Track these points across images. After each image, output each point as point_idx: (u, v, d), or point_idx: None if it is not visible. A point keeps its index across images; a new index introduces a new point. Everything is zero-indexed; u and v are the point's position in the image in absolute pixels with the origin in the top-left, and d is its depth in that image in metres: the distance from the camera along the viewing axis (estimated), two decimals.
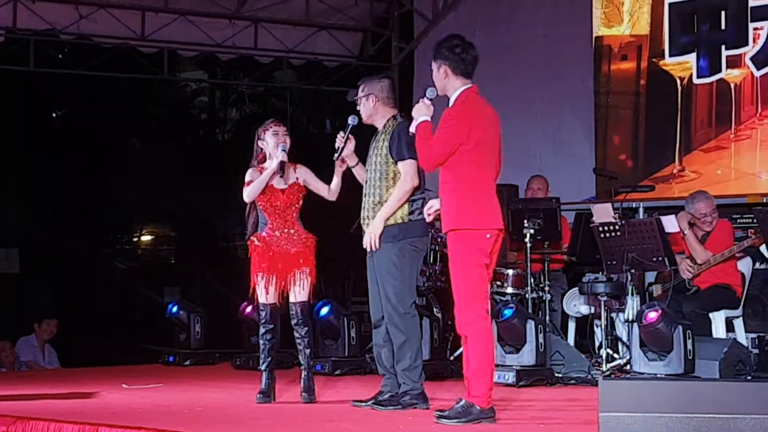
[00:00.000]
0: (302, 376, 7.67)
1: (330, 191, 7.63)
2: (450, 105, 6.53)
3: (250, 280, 7.74)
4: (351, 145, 7.40)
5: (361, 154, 7.44)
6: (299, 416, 6.97)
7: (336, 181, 7.61)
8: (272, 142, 7.65)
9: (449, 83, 6.53)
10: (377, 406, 7.13)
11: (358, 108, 7.36)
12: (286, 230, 7.67)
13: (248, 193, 7.65)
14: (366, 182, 7.29)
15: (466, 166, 6.40)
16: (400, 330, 7.09)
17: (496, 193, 6.61)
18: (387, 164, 7.15)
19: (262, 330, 7.74)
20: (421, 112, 6.55)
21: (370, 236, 7.09)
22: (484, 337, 6.42)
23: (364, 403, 7.26)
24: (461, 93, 6.50)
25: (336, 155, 7.42)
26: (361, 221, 7.30)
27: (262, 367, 7.75)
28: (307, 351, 7.66)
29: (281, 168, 7.56)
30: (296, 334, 7.65)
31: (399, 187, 7.11)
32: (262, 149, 7.74)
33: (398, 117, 7.29)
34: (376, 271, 7.20)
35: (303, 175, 7.68)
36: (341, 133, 7.39)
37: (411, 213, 7.13)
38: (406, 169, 7.08)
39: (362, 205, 7.30)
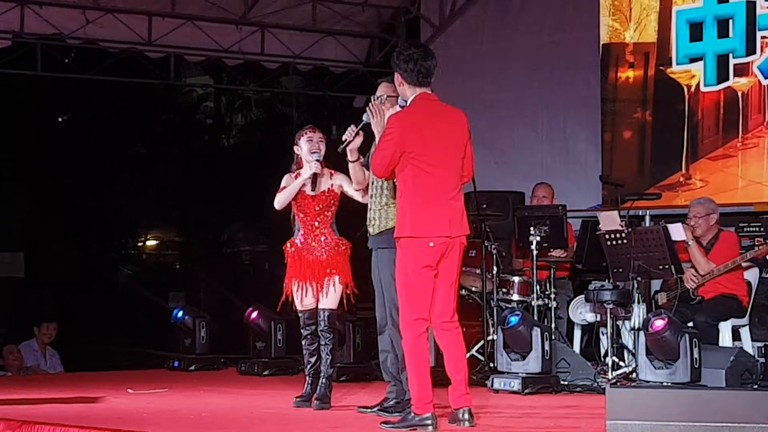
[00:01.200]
0: (320, 383, 7.64)
1: (359, 193, 7.56)
2: None
3: (284, 285, 7.74)
4: (358, 140, 7.30)
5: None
6: (304, 422, 6.96)
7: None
8: (306, 149, 7.63)
9: (404, 91, 6.59)
10: (382, 413, 7.12)
11: (376, 104, 7.19)
12: (317, 237, 7.65)
13: (278, 201, 7.63)
14: (372, 183, 7.24)
15: (408, 173, 6.42)
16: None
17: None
18: None
19: (302, 335, 7.74)
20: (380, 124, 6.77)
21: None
22: (414, 344, 6.41)
23: (369, 410, 7.25)
24: (411, 101, 6.55)
25: (341, 146, 7.33)
26: (367, 222, 7.27)
27: (305, 371, 7.77)
28: (329, 359, 7.64)
29: (313, 180, 7.52)
30: (321, 341, 7.63)
31: (360, 175, 7.16)
32: (298, 155, 7.70)
33: None
34: (380, 276, 7.19)
35: (339, 181, 7.63)
36: (353, 126, 7.26)
37: None
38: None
39: (369, 207, 7.26)
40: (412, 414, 6.40)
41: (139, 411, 7.59)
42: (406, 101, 6.61)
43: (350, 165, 7.36)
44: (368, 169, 7.07)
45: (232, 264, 21.75)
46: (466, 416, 6.45)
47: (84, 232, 19.81)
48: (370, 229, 7.22)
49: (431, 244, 6.39)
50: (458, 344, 6.52)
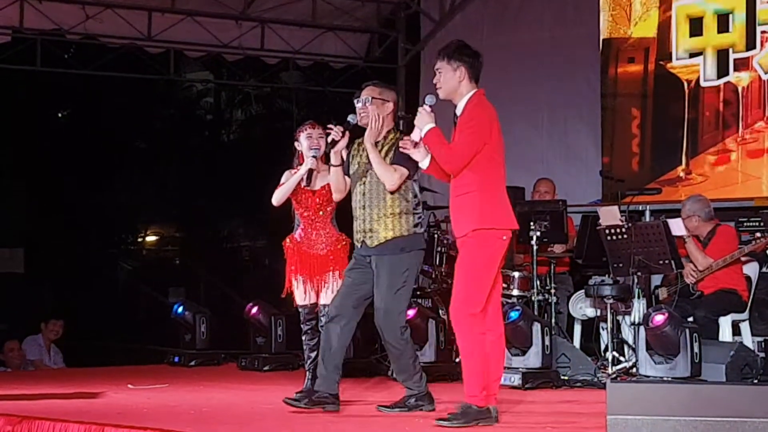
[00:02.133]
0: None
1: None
2: (460, 109, 6.50)
3: (286, 279, 7.73)
4: (344, 142, 7.25)
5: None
6: (304, 417, 6.95)
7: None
8: (305, 145, 7.62)
9: (463, 86, 6.51)
10: (384, 409, 7.12)
11: (359, 107, 7.17)
12: (316, 231, 7.64)
13: (275, 197, 7.62)
14: (363, 195, 7.11)
15: (487, 165, 6.40)
16: (395, 346, 7.04)
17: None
18: None
19: (303, 330, 7.74)
20: (425, 120, 6.49)
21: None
22: (473, 337, 6.39)
23: (389, 409, 7.21)
24: (473, 95, 6.49)
25: (327, 148, 7.29)
26: (360, 235, 7.13)
27: (305, 366, 7.76)
28: None
29: (308, 176, 7.51)
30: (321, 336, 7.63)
31: (389, 172, 6.98)
32: (299, 151, 7.70)
33: (395, 130, 7.19)
34: (375, 280, 7.08)
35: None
36: (338, 127, 7.20)
37: (416, 225, 7.08)
38: (402, 174, 6.99)
39: (361, 218, 7.12)
40: (473, 407, 6.36)
41: (139, 406, 7.59)
42: (445, 98, 6.52)
43: (333, 170, 7.24)
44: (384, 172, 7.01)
45: (232, 259, 21.75)
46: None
47: (84, 228, 19.78)
48: (367, 241, 7.06)
49: (504, 238, 6.42)
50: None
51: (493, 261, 6.39)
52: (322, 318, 7.57)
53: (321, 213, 7.63)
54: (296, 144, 7.71)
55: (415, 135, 6.55)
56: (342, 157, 7.19)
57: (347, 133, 7.17)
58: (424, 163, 6.61)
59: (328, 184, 7.53)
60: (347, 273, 7.22)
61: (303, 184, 7.55)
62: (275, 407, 7.51)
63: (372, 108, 7.11)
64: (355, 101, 7.22)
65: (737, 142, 10.71)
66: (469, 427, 6.28)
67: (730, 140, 10.75)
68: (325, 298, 7.58)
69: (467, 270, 6.40)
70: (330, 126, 7.22)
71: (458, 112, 6.53)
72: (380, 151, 7.06)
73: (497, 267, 6.44)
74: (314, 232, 7.64)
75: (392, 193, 7.02)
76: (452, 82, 6.52)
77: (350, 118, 7.22)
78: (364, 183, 7.13)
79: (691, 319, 8.92)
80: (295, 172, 7.64)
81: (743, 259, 9.30)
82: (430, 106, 6.53)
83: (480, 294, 6.37)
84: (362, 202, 7.12)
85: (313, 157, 7.53)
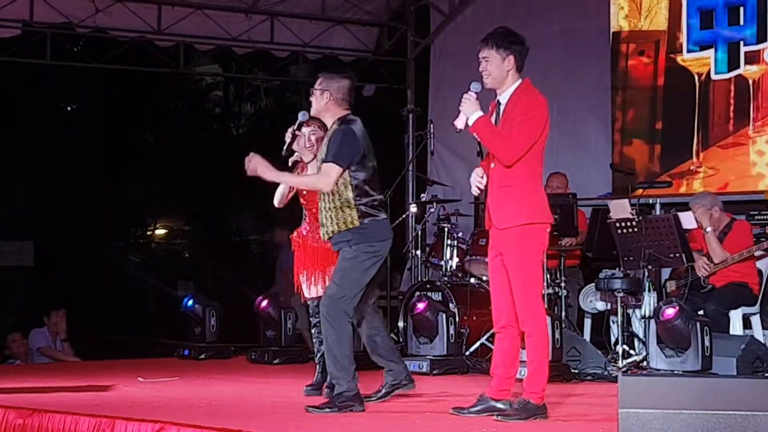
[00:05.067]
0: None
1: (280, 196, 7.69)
2: (506, 98, 6.39)
3: (293, 274, 7.78)
4: (301, 141, 7.35)
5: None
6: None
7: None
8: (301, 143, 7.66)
9: (510, 75, 6.42)
10: (314, 410, 6.86)
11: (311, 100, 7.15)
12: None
13: (275, 199, 7.75)
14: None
15: (535, 159, 6.35)
16: (332, 327, 6.86)
17: None
18: None
19: (311, 323, 7.76)
20: (472, 107, 6.36)
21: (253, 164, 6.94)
22: (546, 334, 6.47)
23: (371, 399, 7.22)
24: (521, 84, 6.43)
25: (284, 150, 7.36)
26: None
27: (315, 359, 7.77)
28: None
29: (291, 142, 7.47)
30: None
31: (312, 179, 7.03)
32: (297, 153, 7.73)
33: (347, 118, 7.03)
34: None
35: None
36: (291, 128, 7.29)
37: (362, 216, 6.93)
38: (329, 171, 6.85)
39: (319, 208, 7.12)
40: (532, 404, 6.36)
41: (149, 399, 7.60)
42: (492, 87, 6.44)
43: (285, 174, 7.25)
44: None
45: (241, 253, 21.80)
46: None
47: (93, 221, 19.84)
48: (322, 234, 7.06)
49: (548, 230, 6.42)
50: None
51: (541, 254, 6.45)
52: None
53: None
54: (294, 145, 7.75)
55: (460, 122, 6.42)
56: (310, 153, 7.44)
57: (298, 132, 7.37)
58: (466, 121, 6.40)
59: None
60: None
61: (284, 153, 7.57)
62: (286, 400, 7.52)
63: (314, 100, 7.05)
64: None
65: (748, 135, 10.68)
66: (527, 422, 6.29)
67: (741, 133, 10.71)
68: None
69: (523, 268, 6.33)
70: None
71: (503, 100, 6.43)
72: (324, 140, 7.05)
73: (540, 260, 6.48)
74: (319, 225, 7.64)
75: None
76: (501, 70, 6.41)
77: (300, 115, 7.37)
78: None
79: (701, 312, 8.90)
80: (297, 173, 7.67)
81: (757, 254, 9.28)
82: (476, 93, 6.42)
83: (539, 288, 6.43)
84: (319, 195, 7.09)
85: (299, 122, 7.52)
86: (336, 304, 6.86)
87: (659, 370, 8.37)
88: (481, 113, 6.35)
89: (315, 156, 7.34)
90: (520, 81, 6.44)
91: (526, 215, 6.32)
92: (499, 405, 6.45)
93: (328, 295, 6.94)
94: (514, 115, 6.34)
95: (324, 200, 6.99)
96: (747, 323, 9.29)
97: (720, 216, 9.34)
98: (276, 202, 7.71)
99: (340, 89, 7.04)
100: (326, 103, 7.04)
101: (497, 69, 6.40)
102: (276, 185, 7.67)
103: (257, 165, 6.94)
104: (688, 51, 11.04)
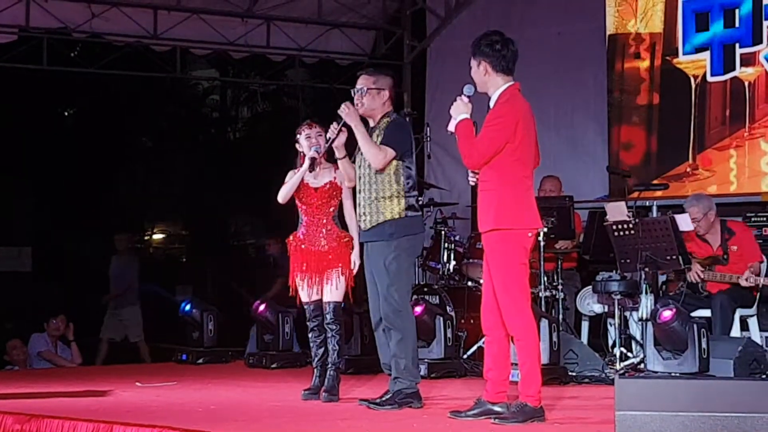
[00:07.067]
0: (327, 375, 7.63)
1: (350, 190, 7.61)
2: (492, 103, 6.45)
3: (289, 278, 7.77)
4: (343, 137, 7.35)
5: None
6: (313, 414, 6.96)
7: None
8: (305, 145, 7.66)
9: (490, 81, 6.46)
10: (374, 406, 7.07)
11: (356, 98, 7.24)
12: (319, 228, 7.66)
13: (281, 194, 7.67)
14: (359, 179, 7.24)
15: (509, 164, 6.35)
16: (396, 328, 7.07)
17: None
18: None
19: (309, 327, 7.75)
20: (460, 110, 6.44)
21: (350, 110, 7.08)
22: (534, 337, 6.45)
23: (370, 403, 7.22)
24: (504, 91, 6.45)
25: (326, 144, 7.41)
26: (358, 218, 7.29)
27: (313, 364, 7.78)
28: (336, 350, 7.63)
29: (311, 166, 7.53)
30: (328, 333, 7.63)
31: (375, 148, 7.05)
32: (301, 152, 7.72)
33: (392, 114, 7.26)
34: (372, 270, 7.19)
35: (341, 175, 7.61)
36: (334, 124, 7.31)
37: (408, 208, 7.08)
38: (386, 150, 7.04)
39: (358, 202, 7.26)
40: (530, 406, 6.37)
41: (147, 404, 7.60)
42: (481, 92, 6.49)
43: (339, 162, 7.40)
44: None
45: (239, 257, 21.77)
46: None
47: (90, 226, 19.81)
48: (362, 224, 7.21)
49: (529, 234, 6.41)
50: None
51: (520, 258, 6.37)
52: (327, 315, 7.59)
53: (323, 210, 7.65)
54: (297, 146, 7.75)
55: (452, 125, 6.48)
56: (345, 150, 7.34)
57: (344, 129, 7.29)
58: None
59: (330, 182, 7.60)
60: (366, 270, 7.29)
61: (306, 177, 7.59)
62: (283, 404, 7.53)
63: (369, 98, 7.21)
64: (352, 92, 7.30)
65: (744, 137, 10.70)
66: (524, 425, 6.29)
67: (737, 135, 10.73)
68: (329, 295, 7.59)
69: (502, 273, 6.38)
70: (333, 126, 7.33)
71: (491, 104, 6.48)
72: (373, 135, 7.15)
73: (527, 261, 6.44)
74: (316, 230, 7.66)
75: (381, 174, 7.05)
76: (477, 76, 6.49)
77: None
78: (360, 167, 7.25)
79: (699, 314, 8.90)
80: (298, 172, 7.68)
81: (744, 284, 9.21)
82: (468, 96, 6.48)
83: (523, 291, 6.40)
84: (359, 186, 7.24)
85: (315, 150, 7.55)
86: (393, 305, 7.03)
87: (656, 372, 8.37)
88: (466, 116, 6.42)
89: (345, 154, 7.41)
90: (506, 84, 6.47)
91: (498, 220, 6.36)
92: (497, 408, 6.47)
93: (390, 304, 7.03)
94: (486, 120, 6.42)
95: (368, 190, 7.12)
96: (744, 325, 9.30)
97: (715, 220, 9.34)
98: (281, 198, 7.68)
99: (392, 87, 7.28)
100: (384, 101, 7.21)
101: (475, 75, 6.52)
102: (282, 181, 7.66)
103: (352, 115, 7.10)
104: (684, 53, 11.06)
